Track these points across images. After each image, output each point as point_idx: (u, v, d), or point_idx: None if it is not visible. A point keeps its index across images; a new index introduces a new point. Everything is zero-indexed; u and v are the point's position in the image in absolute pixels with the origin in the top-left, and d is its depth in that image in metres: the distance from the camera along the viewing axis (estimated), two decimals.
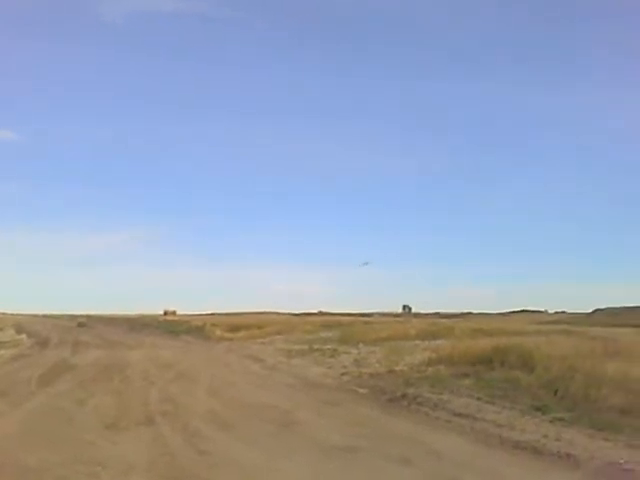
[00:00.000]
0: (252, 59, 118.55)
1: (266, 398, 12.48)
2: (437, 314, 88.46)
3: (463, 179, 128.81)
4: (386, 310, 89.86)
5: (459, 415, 10.17)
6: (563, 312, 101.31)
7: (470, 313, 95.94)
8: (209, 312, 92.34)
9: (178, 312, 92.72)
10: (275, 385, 14.74)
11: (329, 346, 24.62)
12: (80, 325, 59.29)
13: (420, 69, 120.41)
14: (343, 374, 15.99)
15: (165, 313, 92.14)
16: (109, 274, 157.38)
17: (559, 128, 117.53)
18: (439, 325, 38.27)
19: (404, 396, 11.95)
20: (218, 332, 37.99)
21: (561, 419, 9.54)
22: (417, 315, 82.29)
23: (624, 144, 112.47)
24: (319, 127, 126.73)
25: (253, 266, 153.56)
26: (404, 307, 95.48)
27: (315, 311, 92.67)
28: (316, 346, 24.75)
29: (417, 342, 25.67)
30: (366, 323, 42.91)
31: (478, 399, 11.36)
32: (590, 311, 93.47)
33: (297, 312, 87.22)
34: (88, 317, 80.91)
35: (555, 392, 11.12)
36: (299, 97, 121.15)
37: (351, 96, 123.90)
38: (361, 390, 13.32)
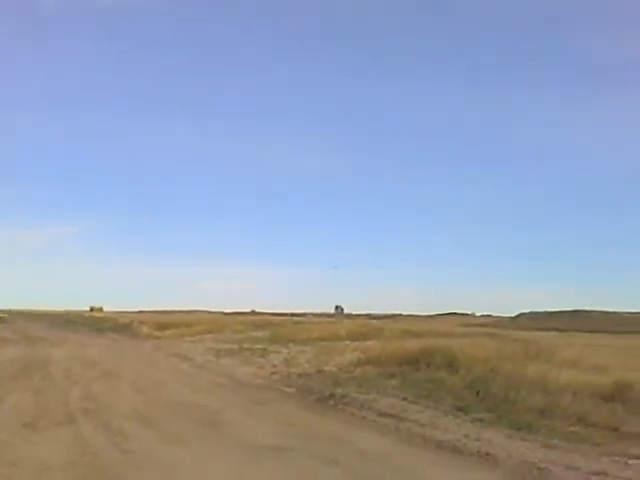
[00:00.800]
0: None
1: (194, 397, 12.33)
2: (368, 315, 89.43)
3: (400, 179, 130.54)
4: (319, 311, 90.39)
5: (384, 415, 10.33)
6: (489, 315, 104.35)
7: (400, 315, 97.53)
8: (137, 310, 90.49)
9: (105, 309, 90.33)
10: (203, 384, 14.57)
11: (259, 345, 24.53)
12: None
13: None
14: (272, 373, 15.97)
15: (91, 309, 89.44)
16: (33, 269, 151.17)
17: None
18: (369, 326, 38.73)
19: (332, 396, 12.05)
20: (146, 330, 37.17)
21: (482, 419, 9.85)
22: (349, 316, 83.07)
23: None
24: (248, 126, 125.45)
25: (184, 264, 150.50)
26: (336, 308, 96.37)
27: (247, 310, 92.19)
28: (246, 345, 24.62)
29: (347, 342, 25.92)
30: (297, 323, 42.93)
31: (403, 399, 11.57)
32: (514, 315, 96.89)
33: (228, 311, 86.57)
34: (9, 312, 77.80)
35: (477, 393, 11.46)
36: (219, 96, 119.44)
37: (272, 94, 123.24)
38: (289, 390, 13.35)
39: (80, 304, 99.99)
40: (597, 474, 6.83)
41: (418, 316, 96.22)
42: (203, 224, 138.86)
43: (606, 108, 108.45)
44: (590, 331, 57.88)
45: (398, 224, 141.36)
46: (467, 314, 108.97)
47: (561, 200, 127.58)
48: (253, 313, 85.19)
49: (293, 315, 71.91)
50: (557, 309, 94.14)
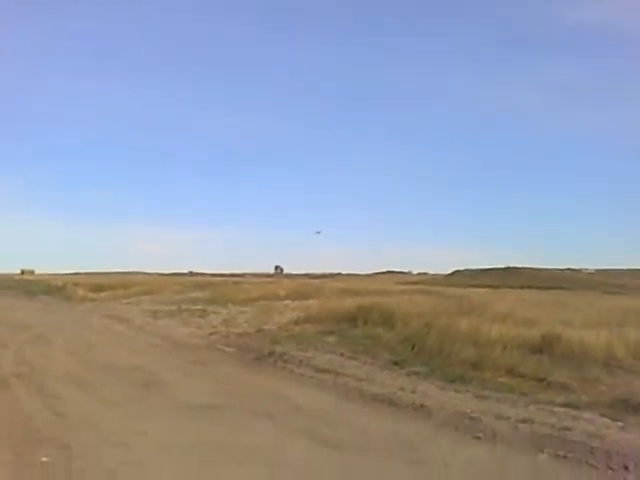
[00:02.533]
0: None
1: (130, 359, 12.15)
2: (308, 275, 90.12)
3: (333, 138, 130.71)
4: (258, 271, 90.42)
5: (322, 371, 10.47)
6: (425, 273, 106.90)
7: (339, 274, 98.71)
8: (71, 272, 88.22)
9: (37, 272, 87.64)
10: (140, 346, 14.38)
11: (198, 306, 24.33)
12: None
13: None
14: (211, 334, 15.90)
15: (22, 272, 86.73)
16: None
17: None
18: (309, 285, 39.01)
19: (271, 354, 12.11)
20: (80, 292, 36.23)
21: (417, 373, 10.12)
22: (289, 276, 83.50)
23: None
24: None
25: (120, 225, 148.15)
26: (276, 268, 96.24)
27: (185, 272, 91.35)
28: (184, 306, 24.40)
29: (287, 302, 26.02)
30: (237, 284, 42.82)
31: (341, 355, 11.75)
32: (449, 272, 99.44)
33: (166, 272, 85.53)
34: None
35: (412, 347, 11.75)
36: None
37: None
38: (229, 349, 13.34)
39: (10, 267, 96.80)
40: (524, 422, 7.13)
41: (357, 275, 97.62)
42: (140, 184, 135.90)
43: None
44: (521, 287, 60.11)
45: (335, 183, 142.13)
46: (404, 272, 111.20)
47: (494, 163, 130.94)
48: (191, 274, 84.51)
49: (232, 276, 71.76)
50: (490, 266, 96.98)
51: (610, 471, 5.63)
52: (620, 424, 6.99)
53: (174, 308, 23.85)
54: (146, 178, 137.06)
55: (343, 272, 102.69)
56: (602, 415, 7.35)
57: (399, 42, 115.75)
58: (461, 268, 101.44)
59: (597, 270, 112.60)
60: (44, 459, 5.75)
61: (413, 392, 8.77)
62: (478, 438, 6.71)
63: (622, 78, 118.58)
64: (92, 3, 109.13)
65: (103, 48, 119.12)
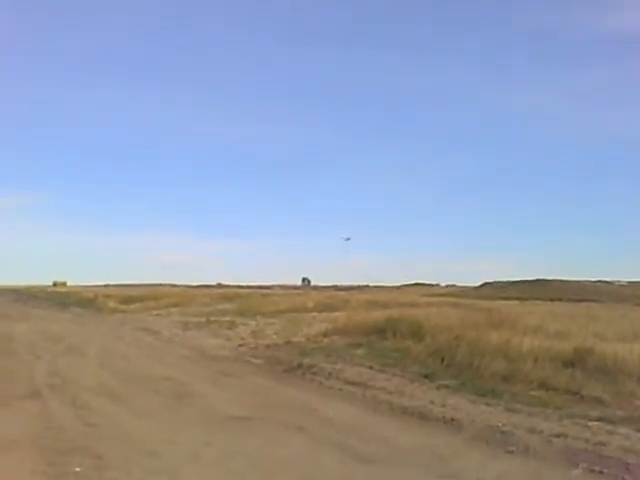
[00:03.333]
0: None
1: (160, 370, 12.27)
2: (335, 287, 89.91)
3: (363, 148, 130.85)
4: (286, 283, 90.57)
5: (352, 383, 10.45)
6: (454, 285, 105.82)
7: (367, 286, 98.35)
8: (102, 283, 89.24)
9: (69, 283, 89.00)
10: (170, 357, 14.52)
11: (227, 318, 24.48)
12: None
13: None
14: (240, 345, 15.98)
15: (55, 284, 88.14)
16: None
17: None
18: (336, 297, 38.95)
19: (299, 366, 12.12)
20: (111, 304, 36.74)
21: (447, 386, 10.03)
22: (316, 288, 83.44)
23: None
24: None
25: (149, 236, 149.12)
26: (303, 280, 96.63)
27: (213, 283, 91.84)
28: (213, 318, 24.55)
29: (315, 314, 26.01)
30: (265, 295, 42.90)
31: (370, 368, 11.71)
32: (479, 284, 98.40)
33: (195, 284, 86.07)
34: None
35: (442, 360, 11.67)
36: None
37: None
38: (258, 361, 13.39)
39: (43, 279, 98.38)
40: (558, 436, 7.02)
41: (384, 287, 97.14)
42: (169, 194, 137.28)
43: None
44: (551, 299, 59.19)
45: (366, 193, 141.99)
46: (432, 284, 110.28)
47: (523, 173, 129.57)
48: (219, 286, 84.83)
49: (260, 288, 71.97)
50: (520, 278, 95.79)
51: None
52: None
53: (203, 320, 24.03)
54: (176, 189, 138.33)
55: (371, 284, 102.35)
56: (638, 430, 7.21)
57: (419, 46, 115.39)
58: (490, 280, 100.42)
59: (629, 282, 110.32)
60: (77, 469, 5.82)
61: (443, 405, 8.70)
62: (511, 452, 6.62)
63: None
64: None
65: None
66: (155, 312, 31.20)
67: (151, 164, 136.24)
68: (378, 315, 18.75)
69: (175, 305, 35.01)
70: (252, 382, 11.12)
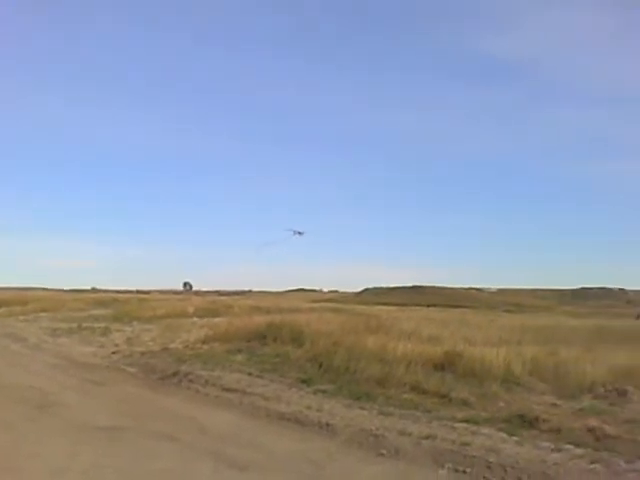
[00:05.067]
0: None
1: (25, 379, 11.51)
2: (218, 292, 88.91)
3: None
4: (166, 288, 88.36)
5: (229, 390, 10.30)
6: (336, 291, 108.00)
7: (250, 291, 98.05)
8: None
9: None
10: (37, 365, 13.65)
11: (100, 324, 23.37)
12: None
13: None
14: (113, 353, 15.32)
15: None
16: None
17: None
18: (219, 303, 38.45)
19: (175, 374, 11.79)
20: None
21: (324, 391, 10.13)
22: (198, 293, 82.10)
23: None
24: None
25: (19, 238, 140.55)
26: (185, 284, 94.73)
27: (88, 288, 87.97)
28: (86, 324, 23.35)
29: (195, 320, 25.50)
30: (142, 300, 41.53)
31: (249, 374, 11.61)
32: (359, 290, 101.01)
33: (67, 289, 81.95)
34: None
35: (320, 365, 11.78)
36: None
37: None
38: (131, 369, 12.89)
39: None
40: (427, 438, 7.28)
41: (268, 292, 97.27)
42: (43, 197, 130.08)
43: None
44: (427, 305, 61.80)
45: (244, 203, 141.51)
46: (315, 290, 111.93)
47: (399, 183, 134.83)
48: (94, 291, 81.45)
49: (138, 292, 69.67)
50: (399, 285, 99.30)
51: None
52: (516, 439, 7.26)
53: (74, 326, 22.76)
54: (50, 191, 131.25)
55: (254, 289, 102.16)
56: (499, 430, 7.62)
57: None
58: (370, 286, 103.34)
59: (499, 289, 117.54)
60: None
61: (319, 410, 8.77)
62: (382, 455, 6.78)
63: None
64: None
65: None
66: (22, 317, 29.23)
67: (21, 165, 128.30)
68: (259, 321, 18.68)
69: (45, 310, 32.95)
70: (124, 391, 10.68)
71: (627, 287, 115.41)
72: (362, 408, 8.93)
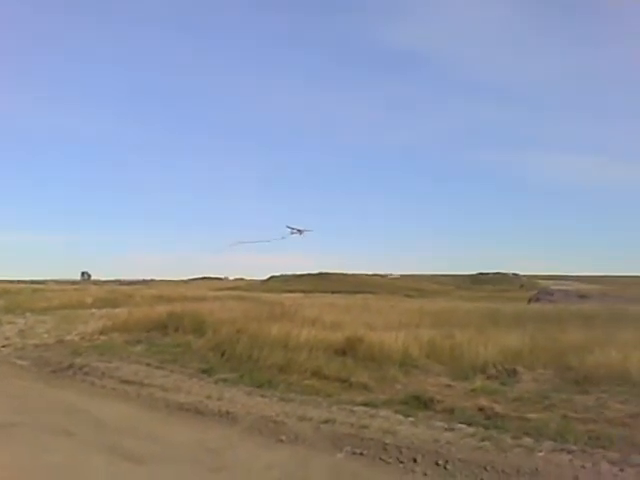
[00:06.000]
0: None
1: None
2: (119, 281, 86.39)
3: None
4: (64, 278, 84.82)
5: (127, 382, 10.03)
6: (242, 279, 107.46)
7: (153, 280, 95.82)
8: None
9: None
10: None
11: None
12: None
13: None
14: (4, 346, 14.51)
15: None
16: None
17: None
18: (119, 292, 37.33)
19: (70, 366, 11.35)
20: None
21: (225, 379, 10.07)
22: (97, 282, 79.40)
23: None
24: None
25: None
26: (83, 274, 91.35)
27: None
28: None
29: (93, 310, 24.67)
30: (37, 291, 39.64)
31: (148, 365, 11.35)
32: (265, 278, 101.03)
33: None
34: None
35: (222, 354, 11.71)
36: None
37: None
38: (24, 362, 12.28)
39: None
40: (326, 422, 7.38)
41: (172, 281, 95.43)
42: None
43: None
44: (333, 292, 62.73)
45: (151, 188, 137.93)
46: (221, 278, 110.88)
47: (313, 168, 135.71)
48: None
49: (32, 283, 66.40)
50: (305, 272, 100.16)
51: (400, 464, 6.01)
52: (412, 419, 7.50)
53: None
54: None
55: (157, 278, 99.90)
56: (396, 412, 7.84)
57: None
58: (276, 273, 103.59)
59: (401, 275, 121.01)
60: None
61: (220, 399, 8.70)
62: (281, 441, 6.83)
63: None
64: None
65: None
66: None
67: None
68: (161, 310, 18.29)
69: None
70: (16, 385, 10.18)
71: (520, 272, 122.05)
72: (263, 395, 8.95)
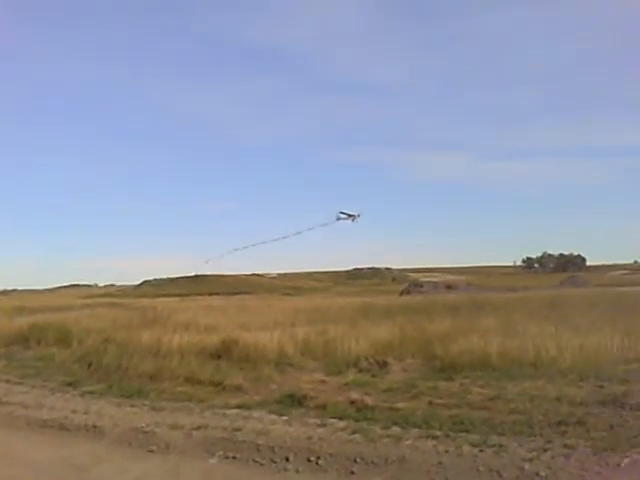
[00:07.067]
0: None
1: None
2: None
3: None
4: None
5: None
6: (113, 285, 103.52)
7: (15, 290, 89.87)
8: None
9: None
10: None
11: None
12: None
13: None
14: None
15: None
16: None
17: None
18: None
19: None
20: None
21: (92, 392, 9.62)
22: None
23: None
24: None
25: None
26: None
27: None
28: None
29: None
30: None
31: (7, 382, 10.65)
32: (139, 283, 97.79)
33: None
34: None
35: (89, 365, 11.19)
36: None
37: None
38: None
39: None
40: (198, 428, 7.23)
41: (36, 290, 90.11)
42: None
43: None
44: (210, 294, 61.99)
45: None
46: (90, 285, 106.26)
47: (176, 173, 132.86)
48: None
49: None
50: (180, 275, 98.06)
51: (273, 464, 6.01)
52: (285, 418, 7.54)
53: None
54: None
55: (20, 287, 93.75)
56: (270, 412, 7.85)
57: None
58: (150, 278, 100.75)
59: (279, 274, 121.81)
60: None
61: (86, 413, 8.29)
62: (152, 451, 6.61)
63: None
64: None
65: None
66: None
67: None
68: (22, 322, 17.22)
69: None
70: None
71: (393, 266, 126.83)
72: (133, 406, 8.63)
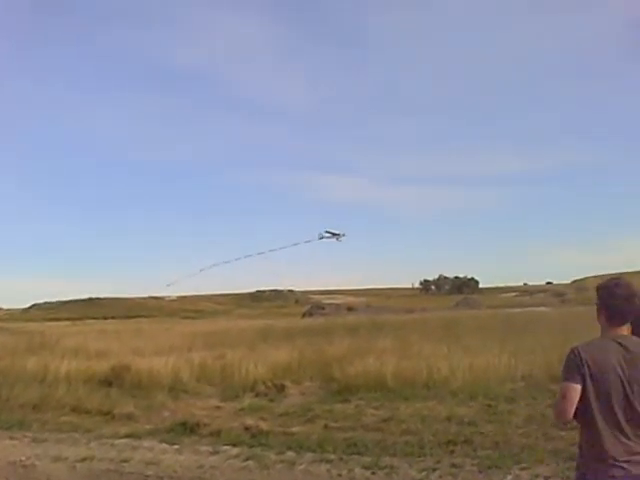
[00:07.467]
0: None
1: None
2: None
3: None
4: None
5: None
6: None
7: None
8: None
9: None
10: None
11: None
12: None
13: None
14: None
15: None
16: None
17: None
18: None
19: None
20: None
21: None
22: None
23: None
24: None
25: None
26: None
27: None
28: None
29: None
30: None
31: None
32: (27, 306, 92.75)
33: None
34: None
35: None
36: None
37: None
38: None
39: None
40: (83, 460, 6.84)
41: None
42: None
43: None
44: (104, 317, 59.70)
45: None
46: None
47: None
48: None
49: None
50: (72, 298, 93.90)
51: None
52: (177, 447, 7.27)
53: None
54: None
55: None
56: (161, 441, 7.55)
57: None
58: (40, 301, 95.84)
59: (178, 297, 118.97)
60: None
61: None
62: None
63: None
64: None
65: None
66: None
67: None
68: None
69: None
70: None
71: (296, 288, 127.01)
72: (12, 438, 8.05)
